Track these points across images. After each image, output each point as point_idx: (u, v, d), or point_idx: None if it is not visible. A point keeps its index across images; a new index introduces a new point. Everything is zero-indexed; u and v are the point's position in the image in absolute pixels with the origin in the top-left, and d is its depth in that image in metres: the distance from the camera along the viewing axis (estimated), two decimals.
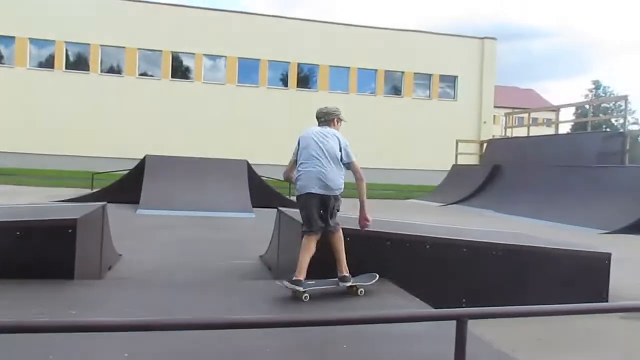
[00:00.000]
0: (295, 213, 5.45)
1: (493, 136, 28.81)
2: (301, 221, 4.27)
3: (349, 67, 31.61)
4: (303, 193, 4.24)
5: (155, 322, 2.09)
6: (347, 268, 4.11)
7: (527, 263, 4.81)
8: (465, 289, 4.58)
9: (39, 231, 3.75)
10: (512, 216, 13.98)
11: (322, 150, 4.27)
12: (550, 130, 20.01)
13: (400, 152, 30.70)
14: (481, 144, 22.99)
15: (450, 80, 33.41)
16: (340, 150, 4.34)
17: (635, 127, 42.85)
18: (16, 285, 3.52)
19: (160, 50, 29.52)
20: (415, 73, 32.57)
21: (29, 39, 27.94)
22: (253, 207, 11.72)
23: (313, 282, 3.99)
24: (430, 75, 32.86)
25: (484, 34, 33.95)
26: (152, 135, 26.76)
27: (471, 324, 2.79)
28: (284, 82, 31.56)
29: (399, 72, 32.46)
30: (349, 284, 4.06)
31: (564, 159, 15.46)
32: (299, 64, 31.30)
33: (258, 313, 3.44)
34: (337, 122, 4.65)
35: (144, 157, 12.66)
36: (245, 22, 30.40)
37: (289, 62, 31.01)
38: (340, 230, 4.20)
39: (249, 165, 13.07)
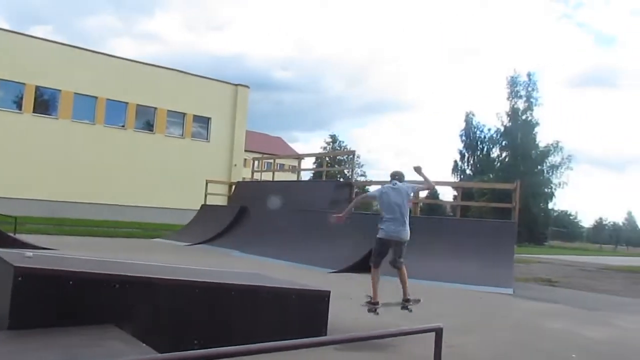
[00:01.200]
0: (8, 253, 4.76)
1: (243, 178, 29.98)
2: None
3: (96, 97, 29.61)
4: (385, 237, 6.37)
5: None
6: (409, 293, 6.51)
7: (258, 301, 5.00)
8: (199, 330, 4.52)
9: None
10: (257, 257, 14.55)
11: (401, 207, 6.37)
12: (294, 177, 21.72)
13: (151, 190, 29.69)
14: (230, 185, 23.67)
15: (203, 121, 33.94)
16: (408, 194, 6.58)
17: (362, 179, 49.35)
18: None
19: None
20: (168, 110, 32.22)
21: None
22: None
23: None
24: (184, 114, 32.88)
25: (238, 81, 35.63)
26: None
27: None
28: (18, 104, 27.92)
29: (152, 107, 31.71)
30: (410, 304, 6.44)
31: (304, 203, 16.85)
32: (36, 87, 28.10)
33: None
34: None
35: None
36: None
37: (24, 84, 27.62)
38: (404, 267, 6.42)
39: None
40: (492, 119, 50.77)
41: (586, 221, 74.45)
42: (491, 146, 49.88)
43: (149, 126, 32.10)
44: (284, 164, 39.13)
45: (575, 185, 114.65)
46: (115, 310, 4.19)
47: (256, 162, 24.09)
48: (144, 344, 3.71)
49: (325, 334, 5.16)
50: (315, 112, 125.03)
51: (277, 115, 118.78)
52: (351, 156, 22.74)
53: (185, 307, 4.49)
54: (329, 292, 5.51)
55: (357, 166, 53.50)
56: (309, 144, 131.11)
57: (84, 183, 27.70)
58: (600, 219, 72.37)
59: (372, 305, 6.44)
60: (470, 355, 5.42)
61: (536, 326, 7.38)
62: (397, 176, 6.64)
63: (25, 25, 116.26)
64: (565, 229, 56.35)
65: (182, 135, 33.01)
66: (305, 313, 5.33)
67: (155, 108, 31.78)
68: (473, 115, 51.04)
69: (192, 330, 4.48)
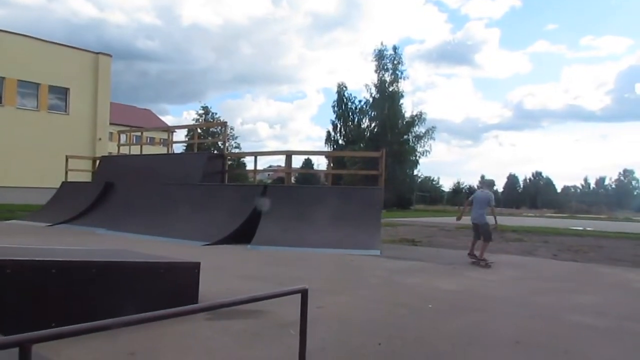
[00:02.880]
0: None
1: (109, 153, 28.26)
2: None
3: None
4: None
5: None
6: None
7: (124, 278, 4.82)
8: (58, 312, 4.26)
9: None
10: (125, 233, 13.93)
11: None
12: (166, 150, 20.88)
13: (4, 168, 26.92)
14: (94, 160, 22.22)
15: (61, 92, 31.27)
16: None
17: (236, 151, 48.92)
18: None
19: None
20: (19, 80, 29.20)
21: None
22: None
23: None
24: (38, 84, 30.02)
25: (99, 50, 33.19)
26: None
27: (62, 348, 2.61)
28: None
29: (0, 77, 28.53)
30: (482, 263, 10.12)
31: (175, 177, 16.36)
32: None
33: None
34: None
35: None
36: None
37: None
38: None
39: None
40: (363, 90, 52.72)
41: (446, 185, 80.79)
42: (361, 117, 51.84)
43: None
44: (154, 137, 37.46)
45: (438, 152, 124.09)
46: None
47: (123, 136, 22.81)
48: None
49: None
50: (185, 83, 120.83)
51: (144, 86, 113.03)
52: (223, 128, 22.33)
53: (41, 288, 4.20)
54: (199, 263, 5.46)
55: (230, 138, 52.86)
56: (180, 116, 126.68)
57: None
58: (458, 182, 79.17)
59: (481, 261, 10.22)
60: (337, 313, 5.71)
61: (398, 282, 7.96)
62: (483, 184, 11.59)
63: None
64: (429, 194, 60.82)
65: (37, 107, 30.17)
66: (176, 286, 5.25)
67: (4, 78, 28.63)
68: (345, 87, 52.53)
69: (50, 312, 4.21)
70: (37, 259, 4.35)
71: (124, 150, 21.77)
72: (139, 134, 25.86)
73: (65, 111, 31.39)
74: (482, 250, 10.32)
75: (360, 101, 52.15)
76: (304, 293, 3.75)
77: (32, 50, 29.44)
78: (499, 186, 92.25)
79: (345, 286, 7.42)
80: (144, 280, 4.97)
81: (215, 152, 25.98)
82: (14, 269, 4.09)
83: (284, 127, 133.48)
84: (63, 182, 19.91)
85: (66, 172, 20.15)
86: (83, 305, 4.47)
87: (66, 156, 20.43)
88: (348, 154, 36.94)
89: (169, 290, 5.14)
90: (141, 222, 14.54)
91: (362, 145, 47.28)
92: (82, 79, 31.70)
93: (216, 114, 59.91)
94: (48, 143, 28.34)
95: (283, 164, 15.06)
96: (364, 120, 51.80)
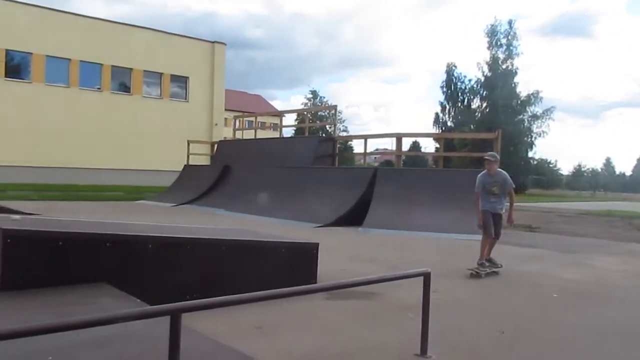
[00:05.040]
0: None
1: (224, 138, 29.76)
2: None
3: (69, 59, 28.82)
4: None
5: None
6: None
7: (248, 256, 5.08)
8: (191, 286, 4.59)
9: None
10: (242, 214, 14.63)
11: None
12: (276, 134, 21.63)
13: (131, 152, 29.37)
14: (212, 145, 23.51)
15: (181, 81, 33.34)
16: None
17: (344, 134, 49.30)
18: None
19: None
20: (145, 71, 31.54)
21: None
22: None
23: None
24: (161, 74, 32.24)
25: (205, 38, 34.92)
26: None
27: (195, 319, 2.83)
28: None
29: (128, 68, 31.00)
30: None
31: (288, 160, 16.88)
32: (6, 51, 27.23)
33: None
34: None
35: None
36: None
37: None
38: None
39: None
40: (474, 69, 50.67)
41: (565, 168, 75.65)
42: (472, 97, 49.86)
43: (125, 88, 31.47)
44: (264, 122, 38.82)
45: (554, 133, 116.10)
46: (107, 269, 4.24)
47: (237, 121, 23.88)
48: (138, 299, 3.78)
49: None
50: (291, 69, 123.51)
51: (252, 73, 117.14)
52: (332, 111, 22.57)
53: (177, 263, 4.55)
54: (317, 244, 5.61)
55: (338, 121, 53.39)
56: (287, 101, 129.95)
57: (61, 148, 27.28)
58: (579, 165, 73.69)
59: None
60: (454, 298, 5.61)
61: (516, 270, 7.62)
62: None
63: None
64: (545, 177, 57.32)
65: (160, 95, 32.46)
66: (295, 265, 5.44)
67: (131, 69, 31.08)
68: (455, 66, 50.74)
69: (184, 286, 4.55)
70: (174, 235, 4.71)
71: (239, 134, 22.80)
72: (251, 119, 26.98)
73: (185, 98, 33.46)
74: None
75: (470, 80, 50.18)
76: (426, 276, 3.72)
77: (155, 42, 31.61)
78: (627, 169, 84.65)
79: (459, 271, 7.25)
80: (266, 258, 5.20)
81: (323, 135, 26.46)
82: (153, 244, 4.46)
83: (388, 109, 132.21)
84: (185, 165, 21.30)
85: (188, 156, 21.53)
86: (213, 281, 4.78)
87: (188, 141, 21.81)
88: (459, 135, 35.77)
89: (289, 269, 5.33)
90: (256, 204, 15.19)
91: (472, 127, 45.56)
92: (200, 68, 33.55)
93: (324, 97, 60.71)
94: (170, 129, 30.42)
95: (389, 147, 14.94)
96: (474, 101, 49.81)
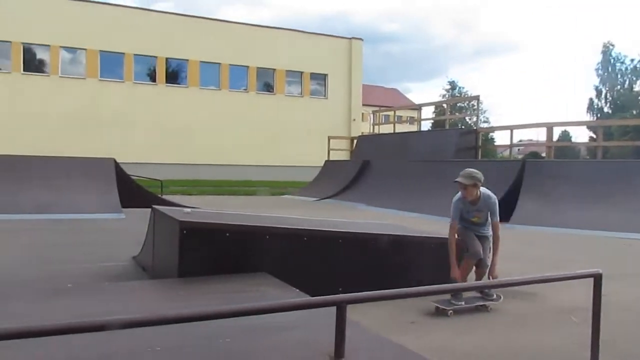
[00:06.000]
0: (170, 210, 5.27)
1: (362, 133, 30.11)
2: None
3: (219, 63, 31.15)
4: None
5: (22, 329, 1.89)
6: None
7: (400, 250, 5.10)
8: (342, 279, 4.73)
9: None
10: (381, 209, 14.70)
11: None
12: (413, 128, 21.41)
13: (273, 149, 30.98)
14: (351, 140, 23.91)
15: (320, 78, 34.36)
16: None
17: (485, 125, 47.21)
18: None
19: (9, 42, 26.76)
20: (287, 70, 33.02)
21: None
22: (122, 207, 11.11)
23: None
24: (301, 72, 33.51)
25: (342, 35, 35.49)
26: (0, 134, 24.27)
27: (353, 311, 2.93)
28: (151, 77, 30.27)
29: (271, 69, 32.68)
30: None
31: (426, 154, 16.61)
32: (167, 59, 30.19)
33: (133, 313, 3.26)
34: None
35: None
36: (106, 14, 28.59)
37: (155, 57, 29.80)
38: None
39: (116, 164, 12.34)
40: (635, 48, 45.49)
41: None
42: (634, 79, 44.84)
43: (269, 88, 33.23)
44: (400, 116, 38.56)
45: None
46: (266, 260, 4.52)
47: (375, 116, 24.02)
48: (297, 289, 3.98)
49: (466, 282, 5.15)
50: (427, 61, 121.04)
51: (388, 67, 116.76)
52: (474, 102, 21.73)
53: (331, 256, 4.71)
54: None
55: (480, 112, 51.23)
56: (423, 93, 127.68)
57: (211, 146, 29.56)
58: None
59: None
60: (623, 303, 5.11)
61: None
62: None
63: (149, 2, 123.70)
64: None
65: (301, 93, 33.76)
66: (445, 261, 5.33)
67: (274, 69, 32.71)
68: (612, 45, 46.01)
69: (337, 278, 4.69)
70: (328, 229, 4.89)
71: (377, 129, 22.92)
72: (387, 113, 27.05)
73: (324, 95, 34.43)
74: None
75: (632, 60, 45.17)
76: (597, 278, 3.43)
77: (296, 42, 32.95)
78: None
79: (625, 273, 6.59)
80: (416, 254, 5.18)
81: (462, 127, 25.58)
82: (309, 237, 4.66)
83: (529, 97, 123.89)
84: (326, 161, 21.92)
85: (328, 152, 22.14)
86: (364, 273, 4.87)
87: (328, 137, 22.42)
88: (619, 122, 32.34)
89: (439, 265, 5.25)
90: (395, 198, 15.16)
91: (634, 112, 41.03)
92: (338, 64, 34.30)
93: (463, 88, 58.66)
94: (310, 125, 31.53)
95: (533, 138, 13.98)
96: (637, 83, 44.75)
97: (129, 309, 3.53)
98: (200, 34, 30.11)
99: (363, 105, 37.68)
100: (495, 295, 4.86)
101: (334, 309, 2.78)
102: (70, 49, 28.63)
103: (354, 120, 34.64)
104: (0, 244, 7.30)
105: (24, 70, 27.28)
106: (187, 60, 30.47)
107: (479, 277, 5.02)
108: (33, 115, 26.14)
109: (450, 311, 4.51)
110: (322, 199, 18.05)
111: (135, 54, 29.21)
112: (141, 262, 5.76)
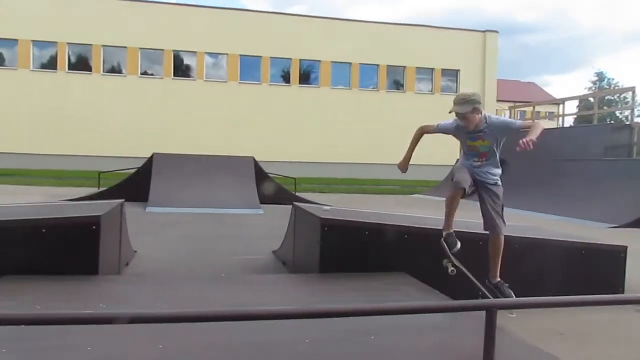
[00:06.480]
0: (309, 207, 5.47)
1: None
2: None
3: (350, 63, 31.59)
4: None
5: (189, 314, 2.11)
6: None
7: (546, 256, 4.81)
8: (482, 285, 4.57)
9: (64, 228, 3.78)
10: (519, 210, 13.90)
11: None
12: (552, 124, 19.95)
13: (403, 147, 30.63)
14: None
15: (452, 74, 33.39)
16: None
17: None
18: (44, 280, 3.56)
19: (162, 49, 29.52)
20: (417, 67, 32.57)
21: (32, 41, 27.98)
22: (260, 203, 11.76)
23: None
24: (432, 69, 32.85)
25: (472, 27, 33.99)
26: (154, 134, 26.82)
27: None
28: (285, 78, 31.56)
29: (401, 66, 32.45)
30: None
31: (570, 152, 15.43)
32: (300, 60, 31.30)
33: (275, 306, 3.46)
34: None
35: (152, 156, 12.67)
36: (245, 20, 30.38)
37: (290, 59, 31.02)
38: None
39: (255, 162, 13.09)
40: None
41: None
42: None
43: (398, 85, 33.03)
44: (539, 112, 36.16)
45: None
46: (404, 259, 4.52)
47: (511, 112, 22.81)
48: (437, 291, 3.93)
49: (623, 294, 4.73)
50: (568, 51, 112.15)
51: (524, 60, 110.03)
52: (626, 94, 19.75)
53: (473, 259, 4.58)
54: (625, 247, 4.98)
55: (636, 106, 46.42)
56: (564, 87, 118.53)
57: (342, 145, 30.05)
58: None
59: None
60: None
61: None
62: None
63: (282, 5, 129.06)
64: None
65: (432, 90, 33.11)
66: (597, 270, 4.94)
67: (404, 67, 32.44)
68: None
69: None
70: (469, 231, 4.76)
71: None
72: (524, 109, 25.48)
73: (456, 92, 33.42)
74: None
75: None
76: None
77: (426, 38, 32.32)
78: None
79: None
80: (563, 260, 4.85)
81: (612, 122, 23.37)
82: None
83: None
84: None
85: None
86: (505, 280, 4.66)
87: None
88: None
89: (590, 273, 4.87)
90: (534, 199, 14.29)
91: None
92: (471, 59, 33.06)
93: (612, 79, 53.50)
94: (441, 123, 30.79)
95: None
96: None
97: (277, 300, 3.74)
98: (331, 34, 30.75)
99: (497, 101, 35.94)
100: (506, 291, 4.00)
101: (477, 313, 2.73)
102: (213, 55, 30.87)
103: None
104: (170, 234, 8.15)
105: (174, 76, 29.95)
106: (320, 61, 31.31)
107: (494, 258, 4.11)
108: (181, 115, 28.56)
109: (452, 270, 4.03)
110: None
111: (271, 57, 30.70)
112: (281, 256, 6.05)
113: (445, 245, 4.15)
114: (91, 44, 28.58)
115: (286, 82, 31.37)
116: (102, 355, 2.46)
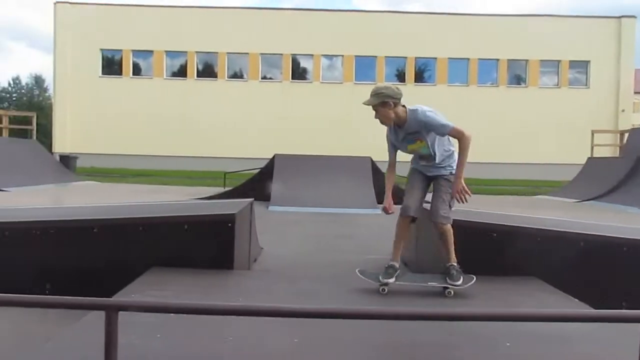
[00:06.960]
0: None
1: (632, 125, 26.26)
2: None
3: (468, 58, 30.58)
4: None
5: (325, 310, 2.18)
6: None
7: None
8: (626, 292, 4.22)
9: (203, 225, 4.10)
10: None
11: None
12: None
13: (525, 145, 29.13)
14: (620, 134, 21.04)
15: (581, 66, 31.04)
16: None
17: None
18: (185, 273, 3.88)
19: (280, 54, 30.71)
20: (541, 60, 30.71)
21: (165, 51, 30.53)
22: (377, 203, 11.77)
23: None
24: (558, 61, 30.78)
25: (596, 13, 31.18)
26: (275, 135, 27.93)
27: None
28: (400, 77, 31.32)
29: (523, 60, 30.79)
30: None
31: None
32: (415, 58, 30.91)
33: (406, 306, 3.45)
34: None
35: (274, 157, 13.22)
36: (359, 20, 30.67)
37: (405, 57, 30.76)
38: None
39: (372, 162, 13.14)
40: None
41: None
42: None
43: (519, 80, 31.39)
44: None
45: None
46: (535, 264, 4.29)
47: None
48: (576, 299, 3.68)
49: None
50: None
51: None
52: None
53: (614, 266, 4.25)
54: None
55: None
56: None
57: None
58: None
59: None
60: None
61: None
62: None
63: (396, 4, 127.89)
64: None
65: (558, 84, 31.03)
66: None
67: (527, 60, 30.75)
68: None
69: (620, 291, 4.21)
70: (609, 235, 4.42)
71: None
72: None
73: (586, 84, 31.06)
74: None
75: None
76: None
77: (550, 28, 30.29)
78: None
79: None
80: None
81: None
82: (586, 243, 4.27)
83: None
84: (589, 158, 19.76)
85: (591, 148, 19.92)
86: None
87: (592, 131, 20.16)
88: None
89: None
90: None
91: None
92: (603, 49, 30.47)
93: None
94: (568, 119, 28.74)
95: None
96: None
97: (406, 301, 3.74)
98: (447, 30, 29.98)
99: (635, 93, 32.83)
100: (461, 279, 3.75)
101: (620, 325, 2.53)
102: (329, 56, 31.49)
103: (623, 111, 30.37)
104: (292, 232, 8.48)
105: (292, 79, 31.05)
106: (436, 58, 30.68)
107: (445, 244, 3.92)
108: (299, 117, 29.46)
109: (383, 288, 3.79)
110: (584, 200, 16.31)
111: (386, 56, 30.64)
112: (403, 256, 6.00)
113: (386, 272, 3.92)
114: (217, 52, 30.54)
115: (401, 81, 31.13)
116: (243, 345, 2.63)
